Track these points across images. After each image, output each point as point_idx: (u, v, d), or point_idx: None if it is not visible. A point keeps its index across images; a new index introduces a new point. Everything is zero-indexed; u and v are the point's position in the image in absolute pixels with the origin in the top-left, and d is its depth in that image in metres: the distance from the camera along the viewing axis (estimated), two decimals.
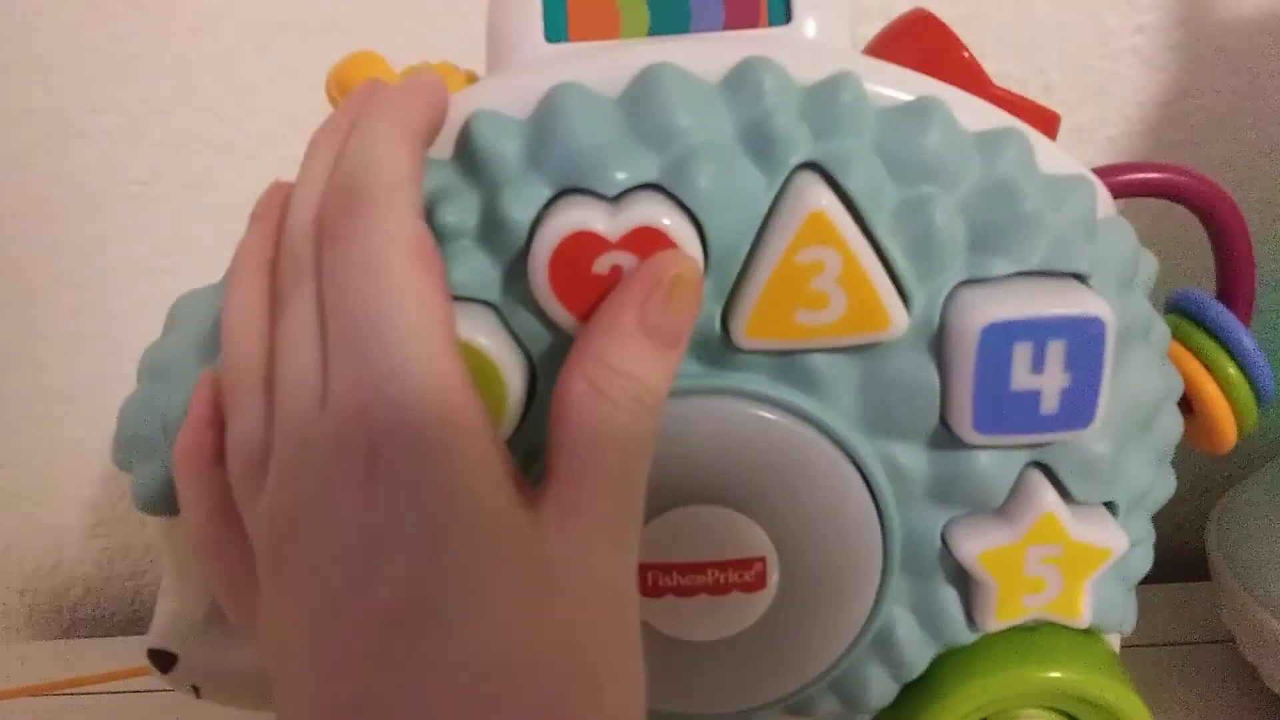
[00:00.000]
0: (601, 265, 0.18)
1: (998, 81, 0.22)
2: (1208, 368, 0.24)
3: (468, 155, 0.19)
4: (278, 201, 0.20)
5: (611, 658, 0.16)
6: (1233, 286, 0.26)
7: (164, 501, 0.22)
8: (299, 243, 0.18)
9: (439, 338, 0.16)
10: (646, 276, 0.18)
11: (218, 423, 0.19)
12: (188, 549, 0.22)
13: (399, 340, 0.16)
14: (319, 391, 0.17)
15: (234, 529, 0.18)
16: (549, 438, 0.17)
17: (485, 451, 0.16)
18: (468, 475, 0.16)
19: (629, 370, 0.17)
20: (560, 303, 0.19)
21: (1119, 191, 0.23)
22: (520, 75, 0.20)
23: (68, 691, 0.35)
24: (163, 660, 0.23)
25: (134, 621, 0.46)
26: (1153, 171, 0.25)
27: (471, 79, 0.23)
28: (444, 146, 0.20)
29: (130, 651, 0.30)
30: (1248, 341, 0.24)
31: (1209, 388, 0.24)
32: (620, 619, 0.17)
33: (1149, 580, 0.24)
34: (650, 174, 0.19)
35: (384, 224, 0.17)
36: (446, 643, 0.15)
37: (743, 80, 0.19)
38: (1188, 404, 0.24)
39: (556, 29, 0.21)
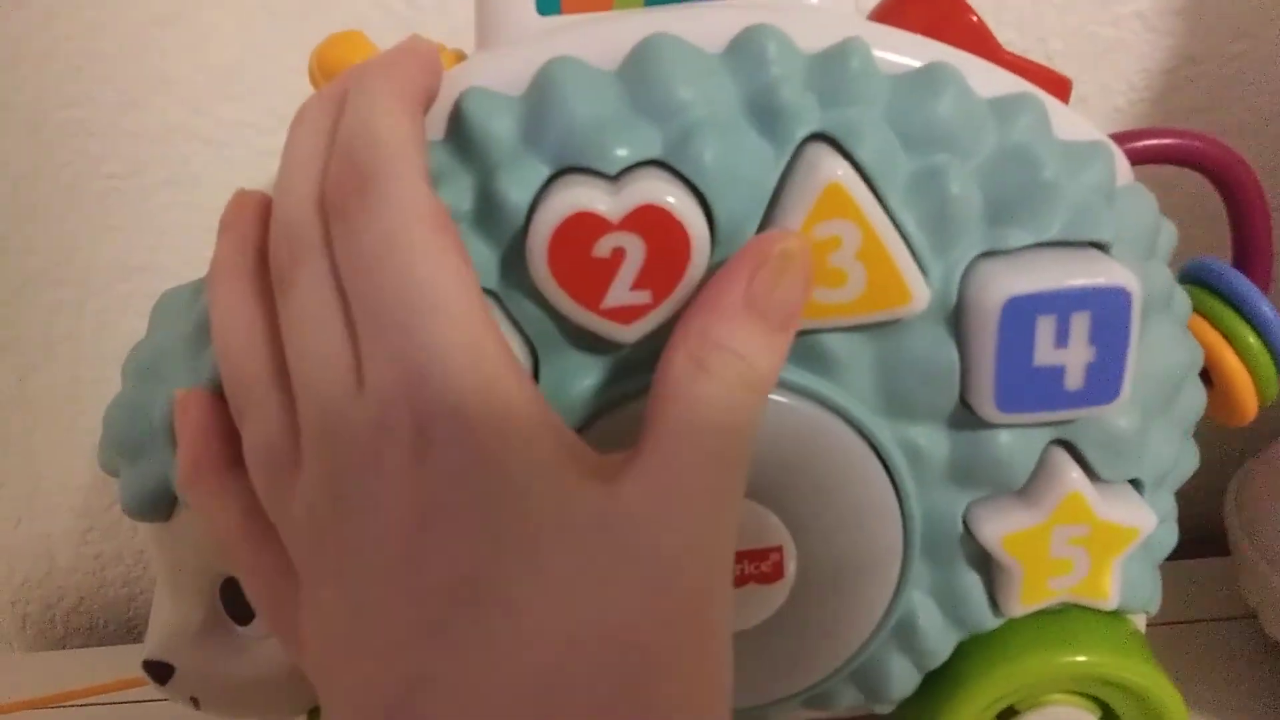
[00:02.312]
0: (602, 248, 0.17)
1: None
2: (1227, 338, 0.23)
3: (460, 135, 0.18)
4: (246, 209, 0.19)
5: (694, 639, 0.15)
6: (1250, 254, 0.25)
7: (154, 507, 0.21)
8: (298, 225, 0.17)
9: (476, 310, 0.15)
10: (753, 251, 0.17)
11: (223, 432, 0.18)
12: (179, 556, 0.22)
13: (436, 316, 0.15)
14: (351, 374, 0.16)
15: (269, 530, 0.17)
16: (645, 416, 0.16)
17: (539, 421, 0.15)
18: (524, 448, 0.15)
19: (734, 347, 0.16)
20: (561, 288, 0.18)
21: (1132, 159, 0.22)
22: (512, 50, 0.19)
23: (64, 704, 0.34)
24: (160, 672, 0.22)
25: (129, 630, 0.45)
26: (1166, 137, 0.24)
27: (460, 58, 0.22)
28: (435, 127, 0.19)
29: (126, 661, 0.30)
30: (1268, 310, 0.23)
31: (1229, 358, 0.23)
32: (707, 599, 0.15)
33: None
34: (653, 150, 0.18)
35: (398, 197, 0.16)
36: (509, 619, 0.14)
37: (746, 49, 0.18)
38: (1206, 376, 0.23)
39: (548, 1, 0.20)
